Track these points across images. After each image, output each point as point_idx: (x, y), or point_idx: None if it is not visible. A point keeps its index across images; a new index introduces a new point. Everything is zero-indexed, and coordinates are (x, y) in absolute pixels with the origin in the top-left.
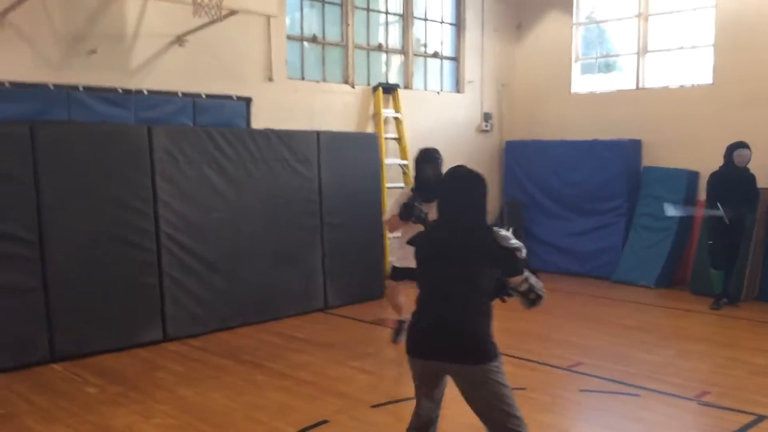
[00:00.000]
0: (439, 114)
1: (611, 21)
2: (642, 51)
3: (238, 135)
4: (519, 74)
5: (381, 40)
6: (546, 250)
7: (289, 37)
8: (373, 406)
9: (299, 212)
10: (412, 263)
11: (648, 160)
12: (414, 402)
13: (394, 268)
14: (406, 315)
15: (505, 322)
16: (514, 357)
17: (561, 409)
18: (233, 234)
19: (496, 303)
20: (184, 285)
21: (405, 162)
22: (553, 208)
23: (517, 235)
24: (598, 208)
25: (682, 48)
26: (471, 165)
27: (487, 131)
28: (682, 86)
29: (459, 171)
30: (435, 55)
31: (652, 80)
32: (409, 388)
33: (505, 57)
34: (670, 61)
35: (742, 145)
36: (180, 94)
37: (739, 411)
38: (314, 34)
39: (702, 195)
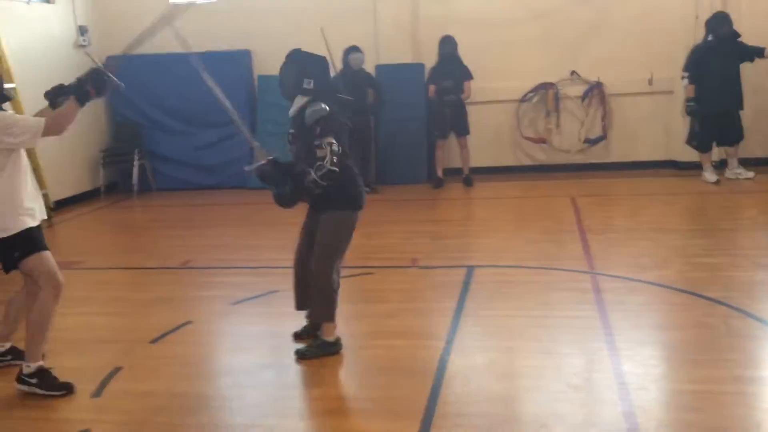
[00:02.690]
0: (32, 29)
1: None
2: None
3: None
4: None
5: None
6: (173, 167)
7: None
8: (153, 342)
9: None
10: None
11: (260, 69)
12: None
13: (28, 232)
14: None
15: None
16: (263, 267)
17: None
18: None
19: None
20: None
21: (12, 85)
22: (173, 124)
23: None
24: (220, 120)
25: None
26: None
27: (85, 46)
28: None
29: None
30: None
31: None
32: (176, 315)
33: None
34: None
35: (355, 49)
36: None
37: (452, 266)
38: None
39: None
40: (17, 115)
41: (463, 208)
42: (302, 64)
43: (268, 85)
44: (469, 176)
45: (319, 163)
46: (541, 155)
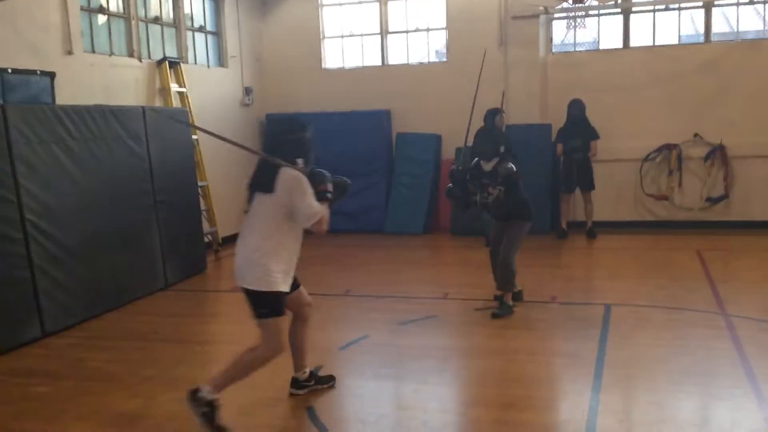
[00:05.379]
0: (210, 88)
1: (354, 4)
2: (384, 32)
3: (79, 113)
4: (269, 50)
5: (155, 12)
6: None
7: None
8: (342, 348)
9: (136, 191)
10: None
11: (397, 127)
12: None
13: (281, 294)
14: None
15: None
16: (400, 297)
17: (484, 327)
18: (85, 218)
19: None
20: (53, 275)
21: (195, 138)
22: None
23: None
24: (361, 171)
25: (417, 30)
26: (236, 137)
27: (248, 105)
28: (421, 63)
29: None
30: (201, 29)
31: (395, 57)
32: (353, 330)
33: (257, 33)
34: (410, 41)
35: (500, 111)
36: None
37: (590, 303)
38: (101, 5)
39: (446, 155)
40: (309, 189)
41: (590, 257)
42: (497, 137)
43: (405, 141)
44: (593, 229)
45: (487, 195)
46: (662, 212)
